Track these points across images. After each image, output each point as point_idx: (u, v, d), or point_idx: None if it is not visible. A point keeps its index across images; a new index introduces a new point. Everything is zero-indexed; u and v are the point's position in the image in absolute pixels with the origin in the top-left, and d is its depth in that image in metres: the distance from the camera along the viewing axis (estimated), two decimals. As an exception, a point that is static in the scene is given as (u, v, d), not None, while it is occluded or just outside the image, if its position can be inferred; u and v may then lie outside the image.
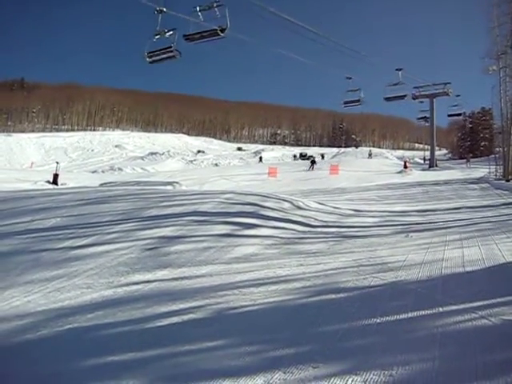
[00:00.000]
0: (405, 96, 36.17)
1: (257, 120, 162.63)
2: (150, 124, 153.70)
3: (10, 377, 3.71)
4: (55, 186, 30.49)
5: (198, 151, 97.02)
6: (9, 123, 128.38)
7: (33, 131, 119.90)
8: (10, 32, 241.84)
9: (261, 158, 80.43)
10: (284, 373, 3.46)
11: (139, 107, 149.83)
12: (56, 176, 34.12)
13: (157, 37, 19.30)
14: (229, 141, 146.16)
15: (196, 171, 48.69)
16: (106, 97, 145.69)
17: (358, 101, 30.63)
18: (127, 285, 5.95)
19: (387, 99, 36.03)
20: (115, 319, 4.77)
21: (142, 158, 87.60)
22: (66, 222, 9.78)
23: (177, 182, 26.83)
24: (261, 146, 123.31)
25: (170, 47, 19.25)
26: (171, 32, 19.05)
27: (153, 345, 4.06)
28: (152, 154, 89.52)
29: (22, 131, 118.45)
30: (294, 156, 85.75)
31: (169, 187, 22.47)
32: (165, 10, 18.83)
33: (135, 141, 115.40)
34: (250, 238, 8.76)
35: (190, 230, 8.88)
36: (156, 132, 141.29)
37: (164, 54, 19.58)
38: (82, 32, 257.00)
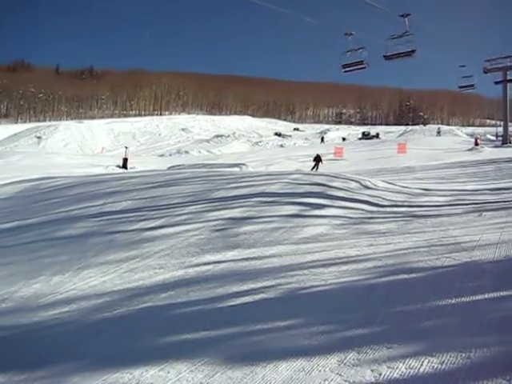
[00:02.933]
0: (412, 52, 23.69)
1: (321, 100, 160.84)
2: (215, 107, 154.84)
3: (89, 353, 3.85)
4: (125, 170, 31.29)
5: (276, 133, 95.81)
6: (80, 110, 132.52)
7: (102, 117, 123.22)
8: (80, 21, 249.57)
9: (322, 138, 79.10)
10: (358, 353, 3.43)
11: (204, 90, 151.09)
12: (125, 160, 35.03)
13: (349, 53, 24.91)
14: (293, 121, 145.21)
15: (262, 152, 48.74)
16: (171, 81, 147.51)
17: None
18: (198, 265, 6.04)
19: (388, 58, 24.60)
20: (188, 299, 4.86)
21: (207, 140, 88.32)
22: (136, 204, 10.05)
23: (243, 164, 26.96)
24: (326, 126, 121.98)
25: (362, 61, 24.93)
26: (361, 49, 24.75)
27: (225, 324, 4.12)
28: (217, 136, 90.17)
29: (93, 118, 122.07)
30: (363, 133, 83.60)
31: (236, 169, 22.61)
32: (353, 33, 24.60)
33: (201, 124, 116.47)
34: (319, 219, 8.70)
35: (258, 211, 8.91)
36: (221, 115, 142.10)
37: (357, 65, 25.16)
38: (145, 18, 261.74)
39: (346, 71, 25.13)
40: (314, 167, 29.79)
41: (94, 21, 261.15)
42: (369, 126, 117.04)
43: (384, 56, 25.41)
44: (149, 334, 4.06)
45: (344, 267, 5.58)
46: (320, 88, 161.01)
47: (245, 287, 5.04)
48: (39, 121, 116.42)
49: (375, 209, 10.09)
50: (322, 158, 28.97)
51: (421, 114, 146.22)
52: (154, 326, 4.23)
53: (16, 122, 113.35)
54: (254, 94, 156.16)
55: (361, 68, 24.96)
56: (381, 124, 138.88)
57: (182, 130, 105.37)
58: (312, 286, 4.98)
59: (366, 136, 77.66)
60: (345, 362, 3.32)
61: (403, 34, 24.16)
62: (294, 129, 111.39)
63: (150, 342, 3.92)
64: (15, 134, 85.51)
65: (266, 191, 10.57)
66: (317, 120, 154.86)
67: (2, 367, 3.71)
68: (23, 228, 9.63)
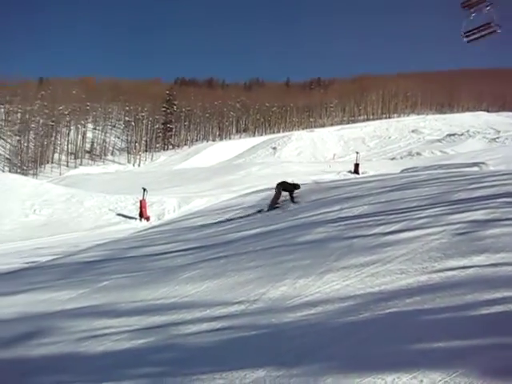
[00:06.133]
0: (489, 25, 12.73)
1: None
2: (446, 105, 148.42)
3: (338, 355, 3.92)
4: (356, 175, 31.68)
5: None
6: (310, 120, 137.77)
7: (332, 125, 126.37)
8: (302, 36, 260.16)
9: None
10: None
11: (433, 89, 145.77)
12: (357, 165, 35.48)
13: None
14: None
15: (500, 149, 45.33)
16: (397, 83, 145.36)
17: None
18: (442, 271, 5.77)
19: (468, 35, 13.49)
20: (434, 305, 4.67)
21: (439, 140, 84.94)
22: (373, 209, 10.04)
23: (483, 163, 25.38)
24: None
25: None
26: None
27: (478, 334, 3.86)
28: (450, 135, 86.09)
29: (323, 126, 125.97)
30: None
31: (475, 168, 21.37)
32: None
33: (431, 124, 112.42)
34: None
35: (504, 213, 8.21)
36: (452, 112, 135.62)
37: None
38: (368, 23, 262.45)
39: None
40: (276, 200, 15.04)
41: (315, 34, 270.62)
42: None
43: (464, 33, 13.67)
44: (397, 340, 3.99)
45: None
46: None
47: (497, 295, 4.67)
48: (274, 132, 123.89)
49: None
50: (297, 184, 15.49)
51: None
52: (402, 332, 4.16)
53: (254, 135, 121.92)
54: (488, 88, 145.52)
55: None
56: None
57: (412, 131, 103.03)
58: None
59: None
60: None
61: None
62: None
63: (398, 347, 3.86)
64: (253, 147, 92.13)
65: (512, 191, 9.74)
66: None
67: (261, 363, 3.97)
68: (267, 234, 10.28)
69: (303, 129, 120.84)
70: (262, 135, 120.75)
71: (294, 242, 8.64)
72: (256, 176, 36.22)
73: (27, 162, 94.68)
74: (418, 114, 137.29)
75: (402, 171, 24.58)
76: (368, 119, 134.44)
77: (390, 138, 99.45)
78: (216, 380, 3.82)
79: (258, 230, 10.84)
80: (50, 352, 5.62)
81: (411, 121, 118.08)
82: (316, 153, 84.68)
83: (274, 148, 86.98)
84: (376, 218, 9.03)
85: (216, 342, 4.81)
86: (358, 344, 4.07)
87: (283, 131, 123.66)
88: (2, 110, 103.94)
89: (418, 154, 65.08)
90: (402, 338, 4.00)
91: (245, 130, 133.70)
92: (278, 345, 4.40)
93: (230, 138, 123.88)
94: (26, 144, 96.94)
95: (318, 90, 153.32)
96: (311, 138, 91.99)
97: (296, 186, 14.85)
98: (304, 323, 4.80)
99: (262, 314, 5.36)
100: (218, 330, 5.10)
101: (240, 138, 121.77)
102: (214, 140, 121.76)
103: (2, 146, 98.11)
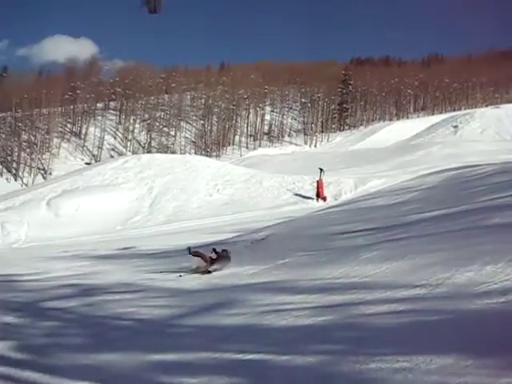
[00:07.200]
0: None
1: None
2: None
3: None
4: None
5: None
6: (496, 95, 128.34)
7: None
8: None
9: None
10: None
11: None
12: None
13: None
14: None
15: None
16: None
17: None
18: None
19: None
20: None
21: None
22: None
23: None
24: None
25: None
26: None
27: None
28: None
29: (510, 102, 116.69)
30: None
31: None
32: None
33: None
34: None
35: None
36: None
37: None
38: None
39: None
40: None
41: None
42: None
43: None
44: None
45: None
46: None
47: None
48: (454, 110, 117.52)
49: None
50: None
51: None
52: None
53: (432, 114, 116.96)
54: None
55: None
56: None
57: None
58: None
59: None
60: None
61: None
62: None
63: None
64: (432, 125, 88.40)
65: None
66: None
67: (447, 349, 3.83)
68: (447, 216, 9.87)
69: (487, 106, 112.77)
70: (441, 113, 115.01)
71: (480, 225, 8.19)
72: (436, 156, 34.78)
73: (211, 145, 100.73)
74: None
75: None
76: None
77: None
78: (400, 362, 3.77)
79: (438, 213, 10.45)
80: (237, 322, 5.98)
81: None
82: (501, 131, 78.61)
83: (455, 126, 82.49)
84: None
85: (398, 324, 4.76)
86: None
87: (464, 109, 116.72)
88: (188, 96, 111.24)
89: None
90: None
91: (423, 109, 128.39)
92: (466, 332, 4.21)
93: (407, 117, 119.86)
94: (209, 127, 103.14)
95: (506, 62, 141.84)
96: (496, 114, 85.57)
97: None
98: (493, 311, 4.55)
99: (446, 298, 5.18)
100: (399, 312, 5.04)
101: (418, 116, 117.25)
102: (390, 119, 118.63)
103: (189, 130, 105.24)
